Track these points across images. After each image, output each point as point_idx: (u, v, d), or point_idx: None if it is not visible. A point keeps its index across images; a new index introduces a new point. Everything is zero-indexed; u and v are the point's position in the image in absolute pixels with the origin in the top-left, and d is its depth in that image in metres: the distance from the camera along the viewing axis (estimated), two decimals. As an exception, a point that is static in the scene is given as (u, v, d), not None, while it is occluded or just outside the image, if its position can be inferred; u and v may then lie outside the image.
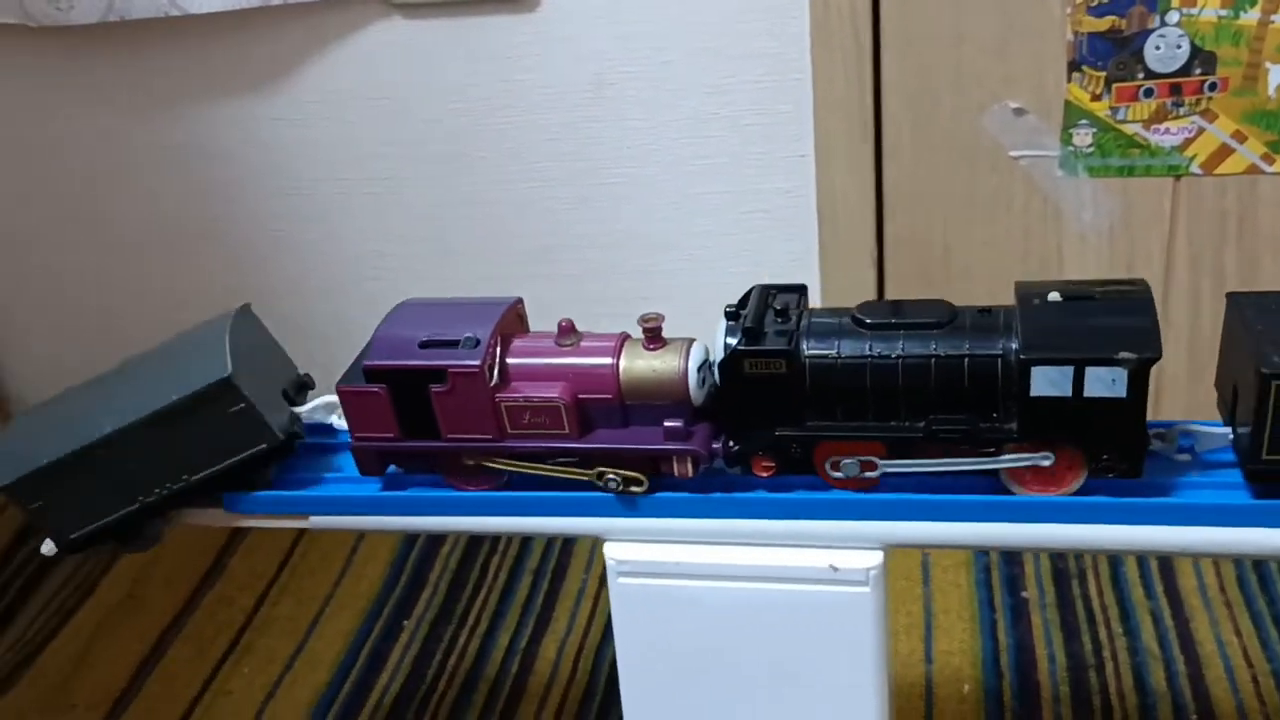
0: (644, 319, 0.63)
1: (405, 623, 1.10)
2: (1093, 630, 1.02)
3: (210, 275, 1.22)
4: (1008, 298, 0.61)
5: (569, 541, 1.19)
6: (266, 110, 1.11)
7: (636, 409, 0.64)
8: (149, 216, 1.21)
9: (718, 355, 0.61)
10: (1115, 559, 1.09)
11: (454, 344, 0.64)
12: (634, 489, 0.64)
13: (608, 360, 0.63)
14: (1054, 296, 0.60)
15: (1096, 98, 0.94)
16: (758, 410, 0.62)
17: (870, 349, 0.60)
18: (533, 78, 1.04)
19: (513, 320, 0.67)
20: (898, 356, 0.60)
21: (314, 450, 0.73)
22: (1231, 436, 0.61)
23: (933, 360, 0.59)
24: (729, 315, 0.62)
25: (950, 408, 0.60)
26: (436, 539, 1.20)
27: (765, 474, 0.63)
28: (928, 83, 0.96)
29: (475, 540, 1.19)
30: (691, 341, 0.63)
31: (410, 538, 1.20)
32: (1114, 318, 0.59)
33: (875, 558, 0.63)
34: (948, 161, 0.99)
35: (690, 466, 0.63)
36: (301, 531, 1.21)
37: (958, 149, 0.98)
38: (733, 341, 0.60)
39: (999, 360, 0.59)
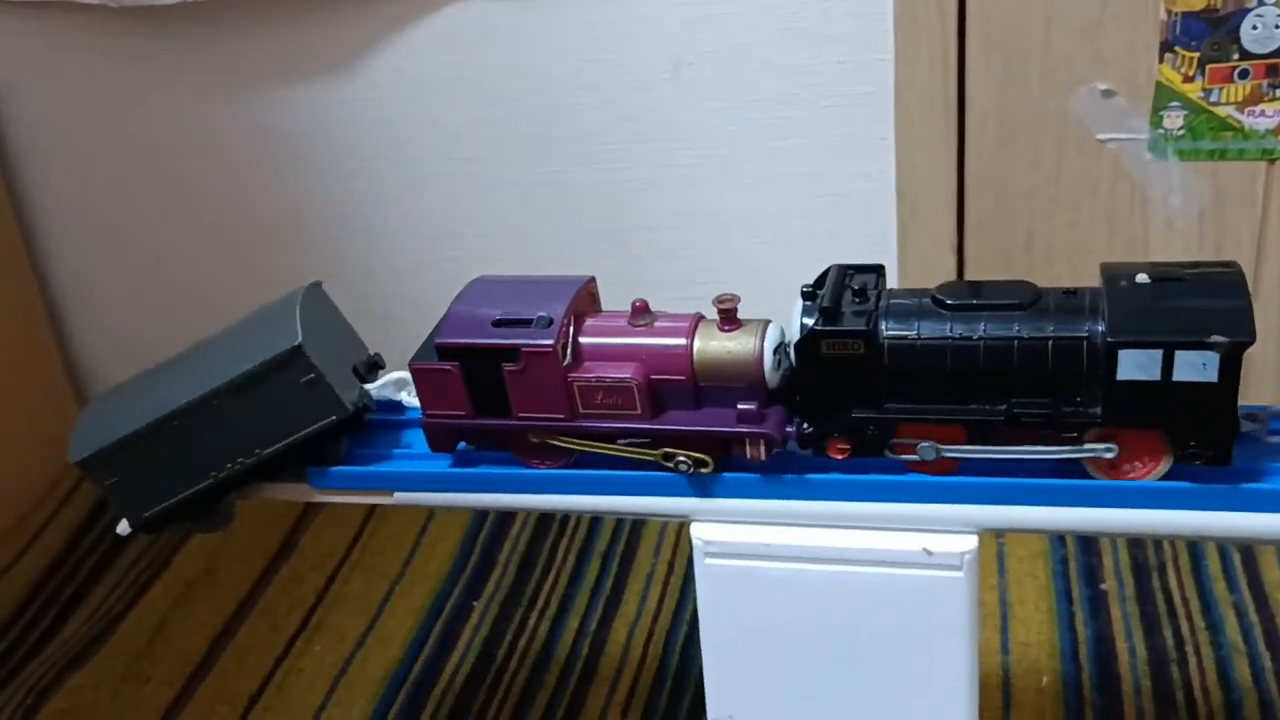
0: (719, 300, 0.62)
1: (475, 603, 1.11)
2: (1174, 623, 1.00)
3: (286, 256, 1.23)
4: (1091, 284, 0.60)
5: (637, 525, 1.18)
6: (346, 92, 1.12)
7: (709, 390, 0.63)
8: (227, 196, 1.22)
9: (794, 336, 0.60)
10: (1196, 551, 1.07)
11: (527, 323, 0.63)
12: (702, 470, 0.63)
13: (682, 341, 0.62)
14: (1142, 278, 0.58)
15: (1189, 79, 0.92)
16: (834, 392, 0.61)
17: (951, 330, 0.59)
18: (611, 58, 1.04)
19: (585, 299, 0.66)
20: (979, 338, 0.58)
21: (384, 427, 0.73)
22: None
23: (1015, 342, 0.58)
24: (806, 295, 0.61)
25: (1032, 391, 0.58)
26: (505, 520, 1.20)
27: (840, 456, 0.62)
28: (1014, 64, 0.95)
29: (543, 522, 1.19)
30: (768, 323, 0.62)
31: (479, 518, 1.20)
32: (1205, 300, 0.57)
33: (970, 541, 0.62)
34: (1032, 145, 0.97)
35: (763, 449, 0.62)
36: (371, 510, 1.22)
37: (1043, 132, 0.96)
38: (810, 321, 0.59)
39: (1084, 342, 0.57)
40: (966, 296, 0.60)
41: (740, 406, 0.62)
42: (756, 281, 0.90)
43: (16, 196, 1.26)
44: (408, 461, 0.71)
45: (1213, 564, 1.05)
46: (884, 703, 0.67)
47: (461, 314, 0.66)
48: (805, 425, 0.62)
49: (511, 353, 0.63)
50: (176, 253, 1.27)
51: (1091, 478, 0.60)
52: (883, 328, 0.59)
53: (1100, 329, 0.57)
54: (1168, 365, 0.56)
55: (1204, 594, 1.03)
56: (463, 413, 0.66)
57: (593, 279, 0.66)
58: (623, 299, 0.64)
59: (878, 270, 0.63)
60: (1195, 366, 0.55)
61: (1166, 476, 0.59)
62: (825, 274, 0.62)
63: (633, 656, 1.03)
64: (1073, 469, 0.61)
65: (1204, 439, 0.57)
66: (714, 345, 0.62)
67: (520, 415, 0.65)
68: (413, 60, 1.09)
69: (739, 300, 0.62)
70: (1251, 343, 0.54)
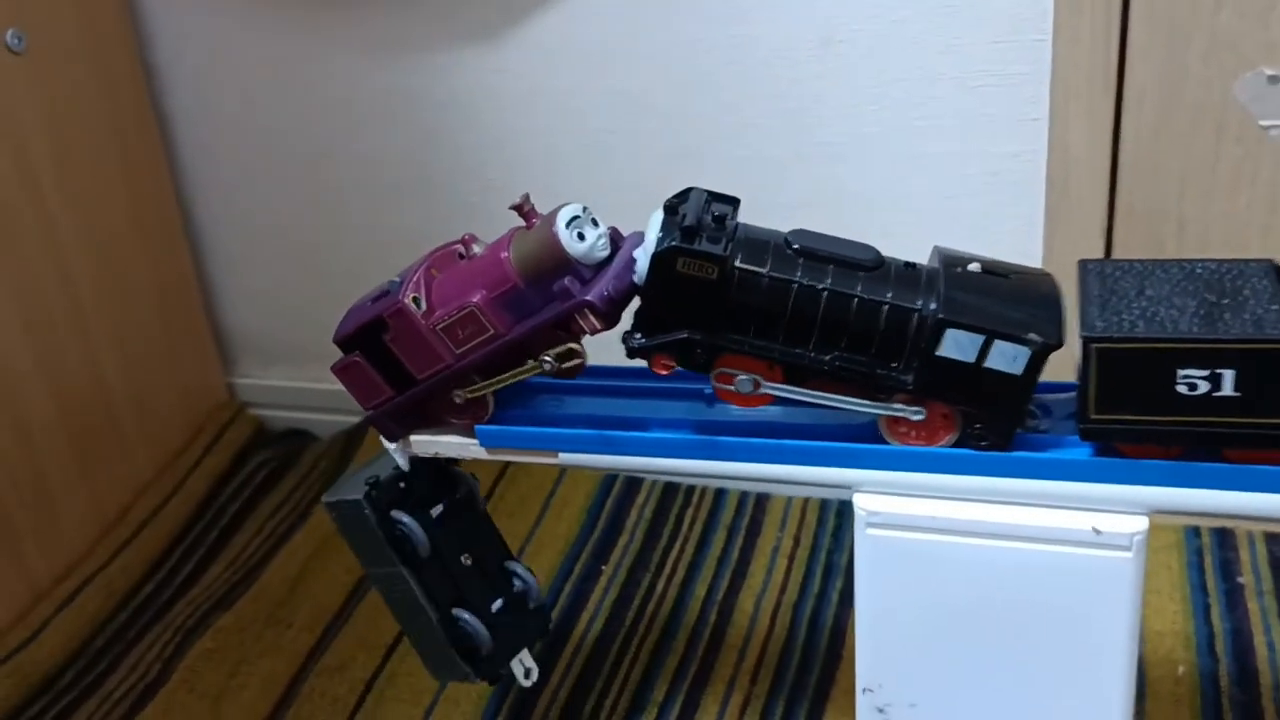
0: (513, 205, 0.66)
1: (603, 566, 1.13)
2: (1315, 621, 0.98)
3: (422, 221, 1.26)
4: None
5: (762, 499, 1.19)
6: (491, 61, 1.14)
7: (548, 290, 0.66)
8: (370, 162, 1.25)
9: (650, 246, 0.61)
10: (1338, 550, 1.05)
11: (386, 292, 0.68)
12: (572, 363, 0.66)
13: (502, 254, 0.65)
14: (974, 267, 0.62)
15: (1361, 66, 0.90)
16: (676, 310, 0.62)
17: (799, 275, 0.61)
18: (760, 32, 1.04)
19: (448, 257, 0.70)
20: (823, 289, 0.61)
21: (546, 390, 0.76)
22: None
23: (855, 300, 0.61)
24: (667, 209, 0.62)
25: (857, 347, 0.62)
26: (631, 487, 1.22)
27: (664, 372, 0.64)
28: (1178, 48, 0.93)
29: (669, 492, 1.21)
30: (562, 205, 0.65)
31: (606, 485, 1.22)
32: (1025, 301, 0.61)
33: (1140, 523, 0.62)
34: (1191, 130, 0.96)
35: (593, 319, 0.64)
36: (502, 473, 1.25)
37: (1203, 117, 0.95)
38: (668, 237, 0.61)
39: (915, 314, 0.60)
40: (817, 246, 0.62)
41: (556, 286, 0.65)
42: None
43: (172, 159, 1.31)
44: (575, 424, 0.73)
45: (1355, 563, 1.04)
46: (1039, 683, 0.67)
47: (354, 306, 0.71)
48: (638, 335, 0.63)
49: (380, 323, 0.67)
50: (317, 216, 1.30)
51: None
52: (737, 258, 0.61)
53: (933, 305, 0.60)
54: (984, 351, 0.60)
55: (1346, 593, 1.01)
56: (390, 395, 0.70)
57: (465, 237, 0.70)
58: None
59: (735, 203, 0.65)
60: (1007, 357, 0.59)
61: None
62: (687, 193, 0.64)
63: (760, 627, 1.04)
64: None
65: (992, 424, 0.62)
66: (522, 243, 0.66)
67: (422, 378, 0.69)
68: (555, 33, 1.10)
69: (527, 196, 0.65)
70: (1059, 347, 0.59)
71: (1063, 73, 0.96)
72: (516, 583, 0.81)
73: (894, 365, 0.62)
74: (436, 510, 0.78)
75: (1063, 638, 0.66)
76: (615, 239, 0.67)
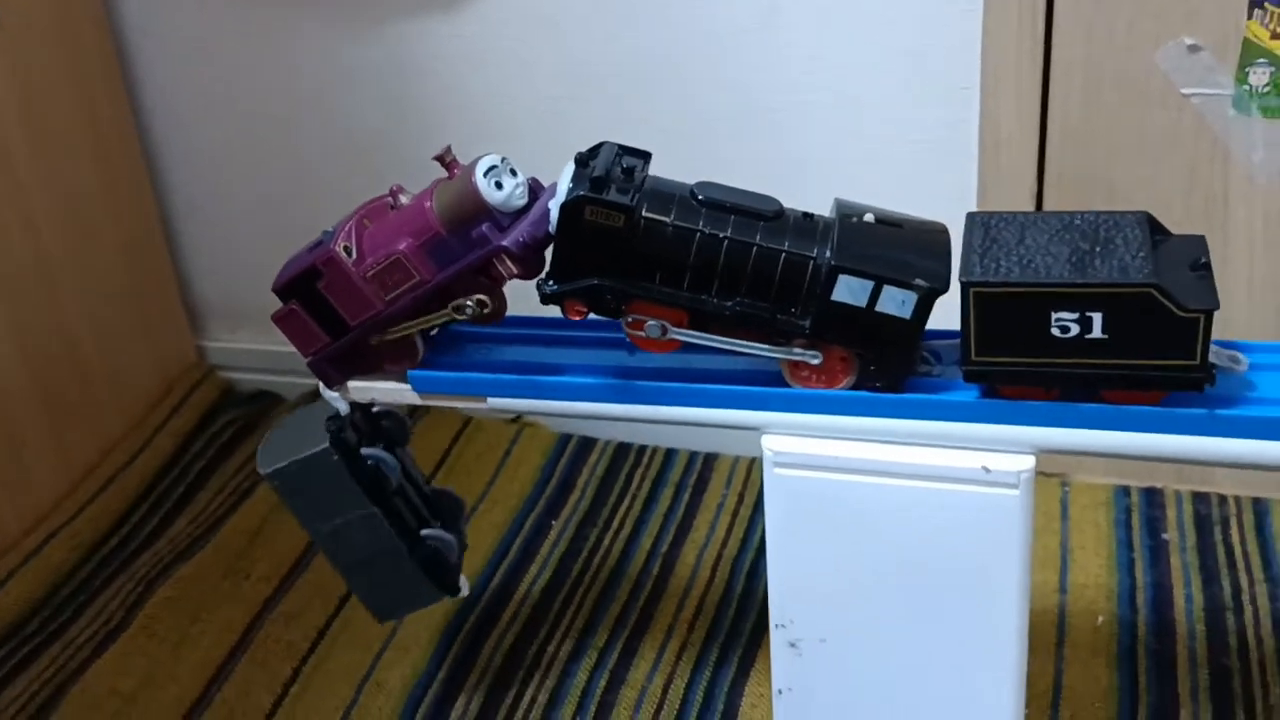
0: (435, 156, 0.70)
1: (553, 522, 1.17)
2: (1233, 575, 1.02)
3: (386, 183, 1.28)
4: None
5: (710, 459, 1.23)
6: (451, 28, 1.17)
7: (471, 237, 0.69)
8: (336, 127, 1.28)
9: (559, 197, 0.65)
10: (1260, 508, 1.08)
11: (320, 243, 0.71)
12: (487, 309, 0.70)
13: (426, 204, 0.69)
14: (869, 218, 0.66)
15: (1276, 36, 0.93)
16: (586, 257, 0.66)
17: (701, 225, 0.65)
18: (704, 5, 1.07)
19: (379, 209, 0.73)
20: (724, 238, 0.65)
21: (472, 339, 0.79)
22: None
23: (754, 249, 0.64)
24: (579, 162, 0.66)
25: (757, 294, 0.65)
26: (585, 447, 1.25)
27: (576, 317, 0.68)
28: (1102, 17, 0.96)
29: (621, 451, 1.25)
30: (480, 156, 0.68)
31: (560, 445, 1.26)
32: (915, 249, 0.65)
33: (1027, 461, 0.66)
34: (1116, 98, 0.99)
35: (510, 264, 0.68)
36: (460, 432, 1.29)
37: (1128, 85, 0.98)
38: (576, 187, 0.64)
39: (811, 262, 0.64)
40: (720, 197, 0.66)
41: (474, 233, 0.68)
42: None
43: (141, 125, 1.34)
44: (502, 370, 0.76)
45: (1277, 520, 1.07)
46: (939, 616, 0.71)
47: (291, 257, 0.74)
48: (550, 283, 0.67)
49: (314, 271, 0.71)
50: (283, 181, 1.33)
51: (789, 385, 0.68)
52: (643, 207, 0.64)
53: (828, 254, 0.64)
54: (874, 296, 0.64)
55: (1265, 549, 1.04)
56: (325, 342, 0.74)
57: (393, 188, 0.73)
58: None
59: (645, 156, 0.68)
60: (896, 302, 0.63)
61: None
62: (599, 147, 0.67)
63: (701, 577, 1.08)
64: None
65: (885, 367, 0.66)
66: (442, 193, 0.69)
67: (354, 325, 0.72)
68: (510, 1, 1.13)
69: (449, 148, 0.69)
70: (944, 292, 0.63)
71: (992, 43, 0.99)
72: (444, 501, 0.86)
73: (792, 310, 0.65)
74: (379, 446, 0.81)
75: (958, 573, 0.69)
76: (535, 189, 0.71)
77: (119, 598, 1.12)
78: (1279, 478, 1.08)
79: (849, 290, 0.64)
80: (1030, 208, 1.04)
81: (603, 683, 0.98)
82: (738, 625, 1.02)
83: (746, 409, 0.70)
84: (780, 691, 0.76)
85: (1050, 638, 0.98)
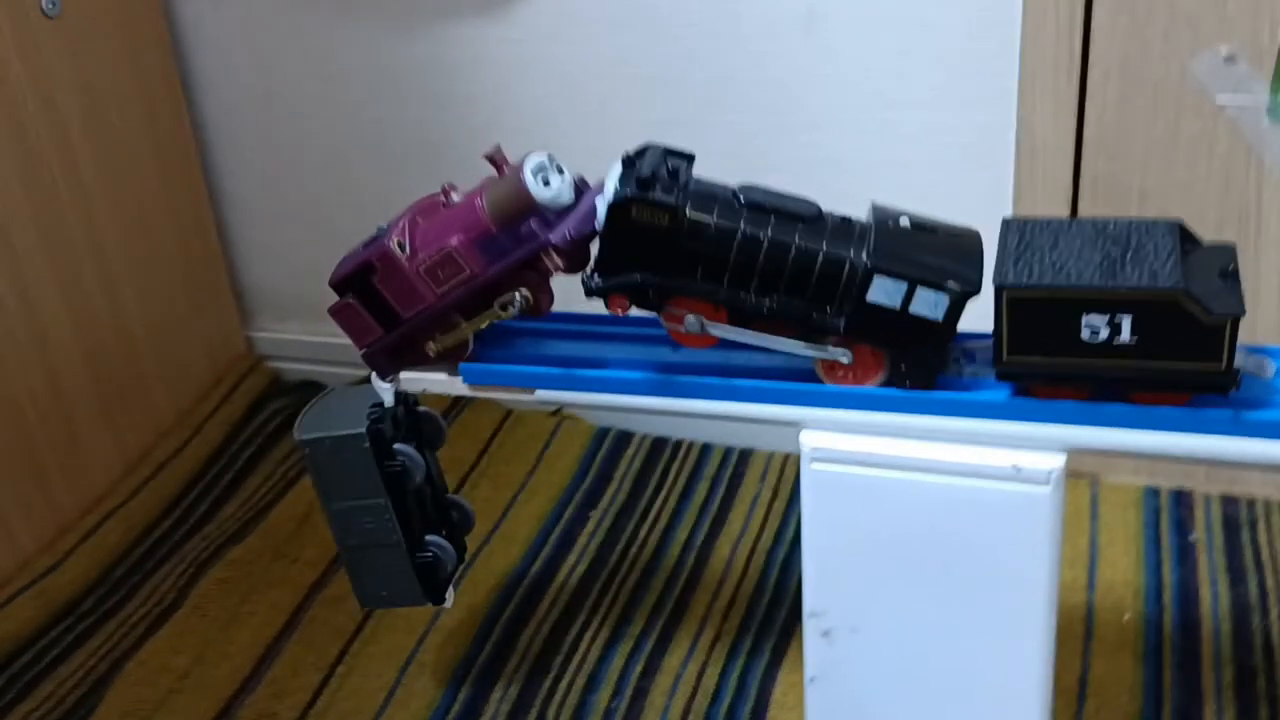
0: (486, 155, 0.72)
1: (591, 513, 1.19)
2: (1260, 576, 1.03)
3: (430, 182, 1.31)
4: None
5: (745, 454, 1.25)
6: (497, 31, 1.20)
7: (518, 234, 0.72)
8: (383, 125, 1.31)
9: (609, 196, 0.67)
10: (1290, 512, 1.10)
11: (375, 239, 0.74)
12: (531, 306, 0.72)
13: (476, 201, 0.71)
14: (904, 222, 0.68)
15: (1312, 46, 0.94)
16: (630, 254, 0.68)
17: (743, 225, 0.67)
18: (746, 7, 1.09)
19: (431, 206, 0.75)
20: (765, 238, 0.67)
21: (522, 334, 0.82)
22: None
23: (793, 249, 0.67)
24: (626, 163, 0.68)
25: (795, 293, 0.68)
26: (622, 441, 1.28)
27: (620, 311, 0.70)
28: (1139, 26, 0.98)
29: (658, 446, 1.27)
30: (528, 154, 0.71)
31: (599, 438, 1.29)
32: (949, 252, 0.67)
33: (1057, 460, 0.68)
34: (1151, 105, 1.00)
35: (556, 258, 0.70)
36: (502, 421, 1.32)
37: (1163, 93, 1.00)
38: (624, 186, 0.66)
39: (848, 262, 0.66)
40: (761, 199, 0.68)
41: (523, 230, 0.71)
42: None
43: (196, 120, 1.38)
44: (549, 363, 0.79)
45: (1306, 523, 1.09)
46: (968, 608, 0.73)
47: (347, 254, 0.76)
48: (596, 278, 0.69)
49: (369, 266, 0.74)
50: (332, 179, 1.37)
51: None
52: (688, 207, 0.67)
53: (864, 256, 0.66)
54: (908, 297, 0.66)
55: (1293, 551, 1.06)
56: (380, 334, 0.76)
57: (446, 186, 0.76)
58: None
59: (690, 158, 0.70)
60: (929, 304, 0.65)
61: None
62: (645, 148, 0.70)
63: (735, 569, 1.11)
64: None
65: (916, 366, 0.68)
66: (492, 191, 0.71)
67: (408, 317, 0.74)
68: (555, 5, 1.16)
69: (499, 147, 0.71)
70: (976, 294, 0.65)
71: (1030, 50, 1.01)
72: (454, 514, 0.89)
73: (828, 309, 0.68)
74: (412, 444, 0.84)
75: (989, 567, 0.72)
76: (581, 187, 0.73)
77: (171, 578, 1.16)
78: (1308, 481, 1.09)
79: (884, 291, 0.66)
80: (1065, 212, 1.05)
81: (638, 669, 1.01)
82: (771, 615, 1.05)
83: (785, 404, 0.72)
84: (812, 679, 0.78)
85: (1078, 632, 1.00)
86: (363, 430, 0.81)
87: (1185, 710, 0.92)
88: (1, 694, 1.04)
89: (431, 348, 0.76)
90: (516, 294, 0.73)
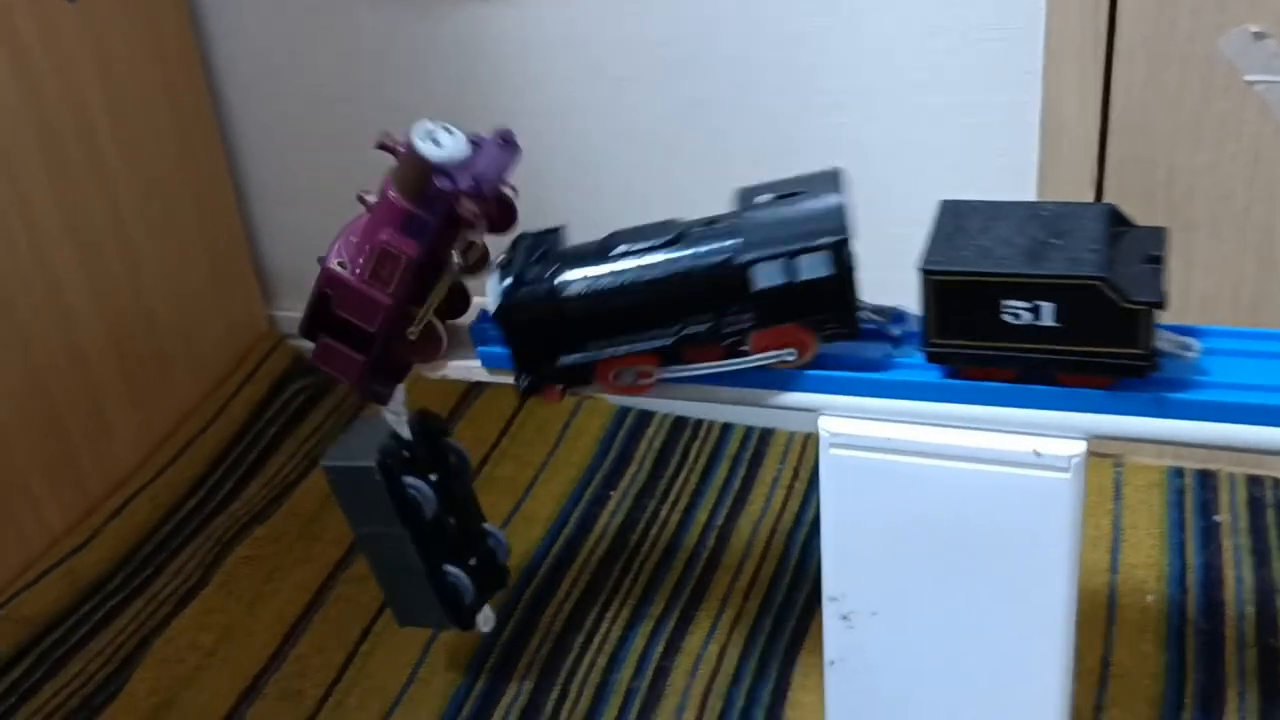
0: (378, 145, 0.73)
1: (611, 493, 1.20)
2: (1285, 558, 1.03)
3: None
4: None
5: (766, 435, 1.25)
6: (518, 11, 1.19)
7: (432, 203, 0.72)
8: (403, 106, 1.31)
9: (492, 308, 0.71)
10: (1315, 493, 1.09)
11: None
12: (474, 254, 0.75)
13: (388, 192, 0.73)
14: (765, 197, 0.69)
15: (1344, 23, 0.92)
16: (537, 347, 0.71)
17: (617, 275, 0.69)
18: (769, -15, 1.09)
19: (356, 221, 0.76)
20: (639, 276, 0.68)
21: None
22: None
23: (670, 275, 0.68)
24: (501, 268, 0.71)
25: (696, 311, 0.69)
26: (642, 420, 1.28)
27: (557, 400, 0.73)
28: (1166, 3, 0.96)
29: (678, 425, 1.27)
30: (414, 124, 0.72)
31: (619, 417, 1.29)
32: (812, 209, 0.67)
33: (1078, 446, 0.68)
34: (1178, 84, 0.99)
35: (469, 203, 0.71)
36: (521, 403, 1.32)
37: (1190, 71, 0.98)
38: (500, 298, 0.70)
39: (724, 263, 0.67)
40: (625, 242, 0.69)
41: (433, 196, 0.72)
42: (900, 206, 0.95)
43: (216, 99, 1.38)
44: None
45: (1331, 506, 1.08)
46: (988, 592, 0.73)
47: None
48: (523, 377, 0.72)
49: (323, 297, 0.75)
50: (353, 160, 1.36)
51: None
52: (560, 286, 0.69)
53: (736, 251, 0.67)
54: (792, 270, 0.66)
55: (1319, 533, 1.05)
56: (362, 360, 0.77)
57: (361, 194, 0.77)
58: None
59: (557, 231, 0.72)
60: (815, 265, 0.66)
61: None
62: (516, 241, 0.73)
63: (755, 549, 1.11)
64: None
65: (836, 319, 0.68)
66: (395, 173, 0.73)
67: (375, 330, 0.75)
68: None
69: (388, 133, 0.73)
70: (848, 240, 0.65)
71: (1056, 28, 1.00)
72: (490, 542, 0.91)
73: (734, 310, 0.68)
74: (433, 477, 0.85)
75: (1009, 552, 0.72)
76: (477, 140, 0.74)
77: (197, 557, 1.17)
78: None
79: (767, 275, 0.66)
80: (1090, 191, 1.04)
81: (659, 649, 1.01)
82: (791, 597, 1.05)
83: (805, 391, 0.72)
84: (832, 662, 0.79)
85: (1101, 615, 0.99)
86: (372, 464, 0.82)
87: (1208, 693, 0.92)
88: (31, 671, 1.05)
89: (407, 333, 0.77)
90: (454, 255, 0.73)
